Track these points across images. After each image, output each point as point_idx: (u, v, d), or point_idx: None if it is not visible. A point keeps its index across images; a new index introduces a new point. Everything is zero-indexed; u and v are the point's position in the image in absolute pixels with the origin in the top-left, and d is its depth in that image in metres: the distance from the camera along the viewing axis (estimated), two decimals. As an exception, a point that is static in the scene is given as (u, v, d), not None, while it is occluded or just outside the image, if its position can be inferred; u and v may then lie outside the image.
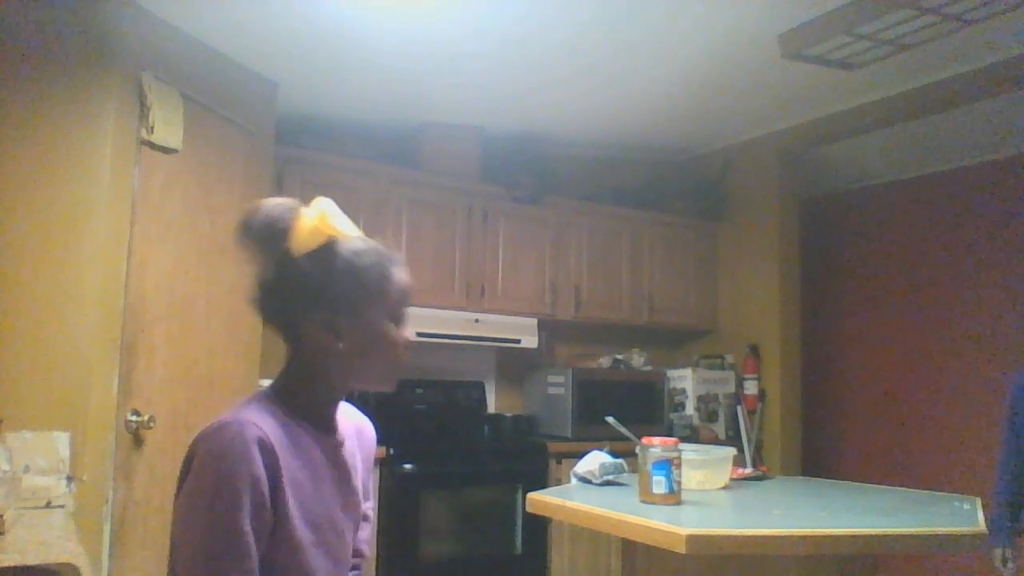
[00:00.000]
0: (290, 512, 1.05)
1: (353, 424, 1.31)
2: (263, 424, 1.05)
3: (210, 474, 1.00)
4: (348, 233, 1.16)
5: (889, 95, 3.60)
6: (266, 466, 1.02)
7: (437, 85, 3.43)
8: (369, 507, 1.35)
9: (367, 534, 1.34)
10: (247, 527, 0.99)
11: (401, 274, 1.19)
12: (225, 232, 2.90)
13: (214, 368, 2.82)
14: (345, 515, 1.21)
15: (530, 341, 3.97)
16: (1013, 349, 3.90)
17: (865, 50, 3.03)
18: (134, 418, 2.43)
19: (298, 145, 3.47)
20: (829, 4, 2.74)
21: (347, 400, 1.27)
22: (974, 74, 3.29)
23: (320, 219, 1.13)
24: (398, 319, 1.19)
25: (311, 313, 1.13)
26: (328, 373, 1.16)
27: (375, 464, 1.30)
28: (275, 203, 1.15)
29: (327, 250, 1.12)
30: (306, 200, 1.16)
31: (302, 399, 1.16)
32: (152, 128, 2.50)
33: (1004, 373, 3.91)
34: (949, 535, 1.64)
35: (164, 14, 2.61)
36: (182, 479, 1.05)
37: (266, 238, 1.12)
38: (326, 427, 1.19)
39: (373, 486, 1.33)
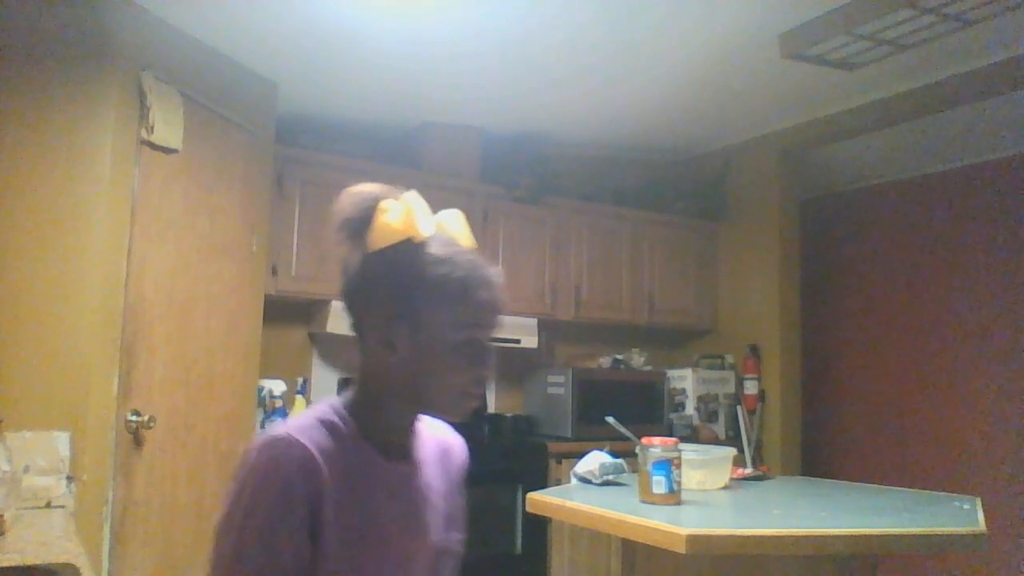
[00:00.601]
0: (328, 541, 0.94)
1: (437, 443, 1.15)
2: (317, 441, 0.95)
3: (248, 494, 0.92)
4: (432, 234, 1.02)
5: (889, 95, 3.60)
6: (308, 491, 0.92)
7: (437, 85, 3.43)
8: (456, 541, 1.18)
9: (450, 573, 1.17)
10: (275, 555, 0.90)
11: (486, 295, 1.02)
12: (225, 232, 2.90)
13: (214, 368, 2.82)
14: (411, 551, 1.05)
15: (530, 341, 3.97)
16: (1013, 349, 3.90)
17: (865, 50, 3.03)
18: (134, 418, 2.43)
19: (298, 145, 3.47)
20: (829, 4, 2.74)
21: None
22: (974, 74, 3.29)
23: (402, 215, 1.00)
24: (472, 345, 1.01)
25: (370, 317, 1.02)
26: (389, 390, 1.03)
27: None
28: (359, 191, 1.03)
29: (402, 250, 1.00)
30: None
31: (369, 417, 1.03)
32: (152, 128, 2.50)
33: (1003, 372, 3.92)
34: (949, 535, 1.64)
35: (164, 14, 2.61)
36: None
37: (347, 229, 1.02)
38: (396, 453, 1.05)
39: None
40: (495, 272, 1.05)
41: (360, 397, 1.04)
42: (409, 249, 1.00)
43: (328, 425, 0.99)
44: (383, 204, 1.01)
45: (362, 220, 1.01)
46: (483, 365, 1.03)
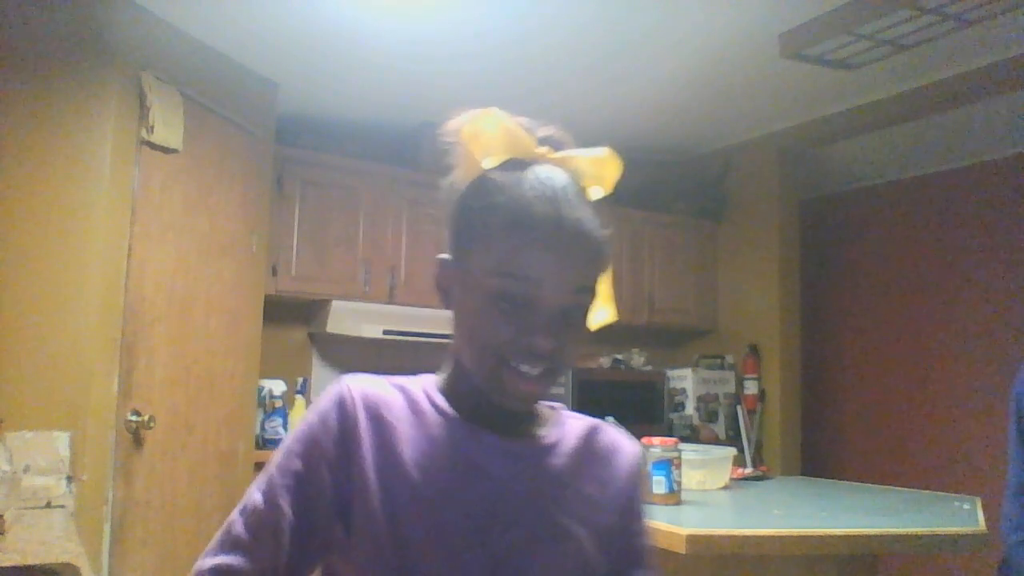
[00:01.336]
0: (366, 498, 0.77)
1: (588, 440, 0.90)
2: (366, 388, 0.82)
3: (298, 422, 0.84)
4: (509, 159, 0.83)
5: (889, 95, 3.60)
6: (341, 426, 0.79)
7: (437, 85, 3.43)
8: None
9: None
10: (288, 468, 0.78)
11: (538, 235, 0.76)
12: (225, 232, 2.90)
13: (214, 368, 2.82)
14: (510, 545, 0.79)
15: (530, 341, 3.97)
16: (1013, 348, 3.89)
17: (865, 50, 3.03)
18: (134, 418, 2.43)
19: (298, 145, 3.47)
20: (829, 4, 2.74)
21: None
22: (974, 74, 3.29)
23: (469, 141, 0.85)
24: (509, 298, 0.76)
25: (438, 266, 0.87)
26: (465, 354, 0.83)
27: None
28: (444, 129, 0.88)
29: (477, 182, 0.84)
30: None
31: (457, 391, 0.85)
32: (152, 128, 2.50)
33: (1003, 372, 3.92)
34: (949, 535, 1.64)
35: (164, 14, 2.61)
36: None
37: (447, 179, 0.88)
38: (505, 430, 0.83)
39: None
40: (582, 211, 0.78)
41: (448, 369, 0.88)
42: (477, 179, 0.84)
43: (399, 385, 0.85)
44: (462, 135, 0.85)
45: (450, 162, 0.86)
46: (522, 328, 0.76)
